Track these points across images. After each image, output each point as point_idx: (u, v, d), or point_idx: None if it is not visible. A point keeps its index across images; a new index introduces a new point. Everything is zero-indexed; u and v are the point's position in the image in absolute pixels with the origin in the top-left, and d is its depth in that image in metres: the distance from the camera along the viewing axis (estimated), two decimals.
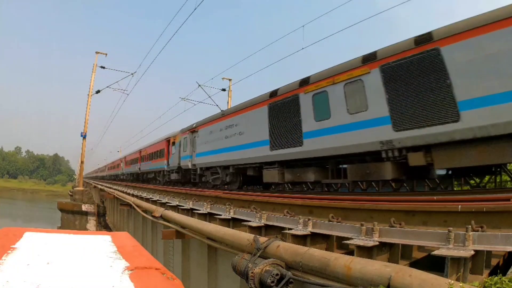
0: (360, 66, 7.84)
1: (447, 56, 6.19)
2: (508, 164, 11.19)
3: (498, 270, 3.12)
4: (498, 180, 13.13)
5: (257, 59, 19.27)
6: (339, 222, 4.54)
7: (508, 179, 12.89)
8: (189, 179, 17.56)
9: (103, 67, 25.89)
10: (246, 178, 13.00)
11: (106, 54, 26.26)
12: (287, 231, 4.75)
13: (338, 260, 3.21)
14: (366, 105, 7.65)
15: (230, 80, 25.60)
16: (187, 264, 9.29)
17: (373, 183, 16.09)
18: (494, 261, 3.67)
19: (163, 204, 11.60)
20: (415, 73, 6.69)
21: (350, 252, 3.97)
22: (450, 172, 12.25)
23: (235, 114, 13.12)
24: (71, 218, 22.73)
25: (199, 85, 23.37)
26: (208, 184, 15.48)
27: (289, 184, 12.71)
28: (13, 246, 2.32)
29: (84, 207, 22.87)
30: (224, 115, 14.13)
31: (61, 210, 23.62)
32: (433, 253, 3.07)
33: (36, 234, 2.81)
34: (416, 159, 6.74)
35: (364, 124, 7.66)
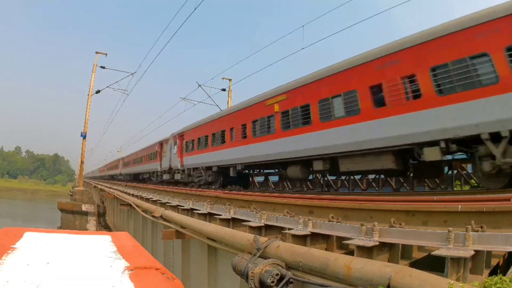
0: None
1: None
2: None
3: (498, 270, 3.13)
4: None
5: (257, 59, 19.28)
6: (339, 222, 4.54)
7: None
8: None
9: (103, 67, 25.91)
10: None
11: (106, 54, 26.30)
12: (287, 231, 4.74)
13: (338, 260, 3.21)
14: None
15: (230, 80, 25.62)
16: (187, 264, 9.28)
17: (373, 183, 16.15)
18: (494, 261, 3.67)
19: (163, 204, 11.60)
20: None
21: (350, 252, 3.96)
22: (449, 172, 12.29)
23: None
24: (71, 218, 22.74)
25: (199, 85, 23.40)
26: None
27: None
28: (13, 246, 2.32)
29: (84, 207, 22.87)
30: None
31: (61, 210, 23.64)
32: (433, 253, 3.06)
33: (36, 234, 2.81)
34: None
35: None
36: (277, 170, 14.93)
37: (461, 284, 2.30)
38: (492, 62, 6.49)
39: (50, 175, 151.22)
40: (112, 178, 47.22)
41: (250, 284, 3.63)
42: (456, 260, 2.90)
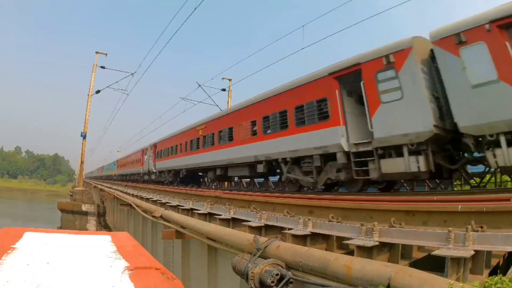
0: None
1: None
2: None
3: (498, 270, 3.13)
4: (498, 180, 13.15)
5: (257, 59, 19.30)
6: (339, 222, 4.54)
7: (508, 179, 12.91)
8: None
9: (103, 67, 25.90)
10: None
11: (106, 54, 26.29)
12: (287, 231, 4.74)
13: (338, 260, 3.21)
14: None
15: (230, 80, 25.62)
16: (187, 264, 9.28)
17: None
18: (494, 261, 3.67)
19: (163, 204, 11.60)
20: None
21: (350, 252, 3.96)
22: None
23: None
24: (71, 218, 22.74)
25: (199, 85, 23.42)
26: None
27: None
28: (13, 246, 2.32)
29: (84, 207, 22.87)
30: None
31: (61, 210, 23.64)
32: (433, 253, 3.06)
33: (36, 234, 2.81)
34: None
35: None
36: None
37: (461, 284, 2.30)
38: None
39: (50, 175, 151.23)
40: (121, 178, 26.45)
41: (250, 284, 3.63)
42: (456, 260, 2.90)
